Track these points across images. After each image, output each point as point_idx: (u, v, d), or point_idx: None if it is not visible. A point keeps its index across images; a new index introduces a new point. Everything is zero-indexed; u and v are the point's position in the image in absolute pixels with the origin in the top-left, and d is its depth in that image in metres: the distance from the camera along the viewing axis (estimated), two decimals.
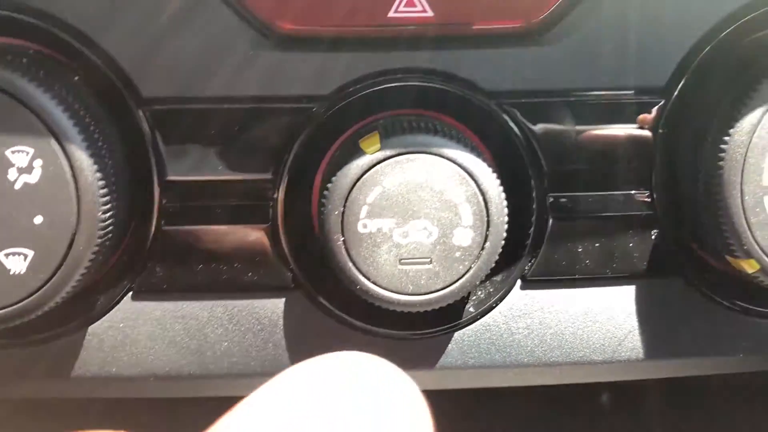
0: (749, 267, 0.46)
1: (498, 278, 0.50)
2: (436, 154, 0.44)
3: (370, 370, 0.24)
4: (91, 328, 0.49)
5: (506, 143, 0.48)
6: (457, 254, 0.45)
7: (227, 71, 0.45)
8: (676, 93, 0.48)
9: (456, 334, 0.50)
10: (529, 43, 0.46)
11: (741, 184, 0.45)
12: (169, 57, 0.45)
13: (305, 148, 0.47)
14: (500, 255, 0.46)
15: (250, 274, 0.48)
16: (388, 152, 0.44)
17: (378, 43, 0.46)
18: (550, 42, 0.46)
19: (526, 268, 0.50)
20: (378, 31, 0.46)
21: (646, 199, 0.49)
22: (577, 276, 0.50)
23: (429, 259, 0.45)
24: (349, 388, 0.23)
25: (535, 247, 0.49)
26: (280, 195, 0.47)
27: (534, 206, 0.48)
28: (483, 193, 0.44)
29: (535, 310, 0.50)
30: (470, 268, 0.45)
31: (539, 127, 0.48)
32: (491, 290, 0.50)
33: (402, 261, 0.45)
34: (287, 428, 0.21)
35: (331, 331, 0.49)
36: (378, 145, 0.44)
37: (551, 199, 0.48)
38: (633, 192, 0.49)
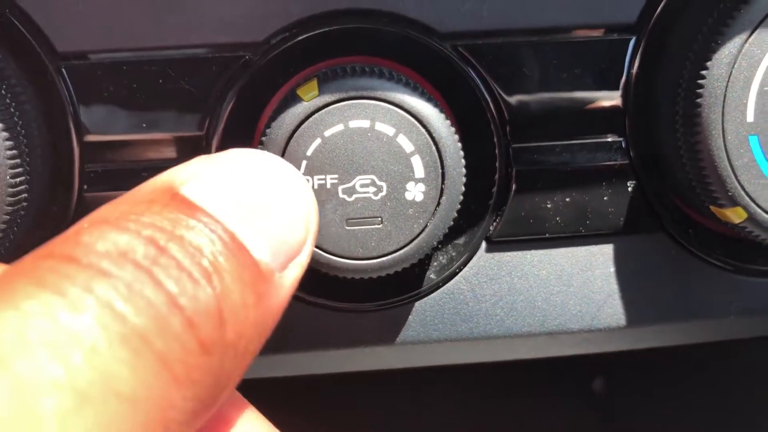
0: (736, 216, 0.42)
1: (460, 241, 0.45)
2: (380, 100, 0.39)
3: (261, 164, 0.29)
4: None
5: (463, 90, 0.43)
6: (410, 211, 0.40)
7: (148, 18, 0.41)
8: (648, 28, 0.43)
9: (417, 305, 0.46)
10: None
11: (722, 122, 0.40)
12: (84, 6, 0.41)
13: (241, 101, 0.42)
14: (462, 214, 0.42)
15: None
16: (326, 98, 0.39)
17: None
18: None
19: (491, 228, 0.45)
20: None
21: (620, 147, 0.44)
22: (547, 235, 0.45)
23: (379, 218, 0.40)
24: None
25: (499, 204, 0.45)
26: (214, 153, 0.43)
27: (496, 158, 0.44)
28: (436, 142, 0.40)
29: (503, 275, 0.46)
30: (426, 226, 0.41)
31: (499, 72, 0.43)
32: (454, 254, 0.45)
33: (349, 221, 0.40)
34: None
35: None
36: (316, 92, 0.39)
37: (514, 150, 0.44)
38: (605, 139, 0.44)
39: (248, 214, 0.27)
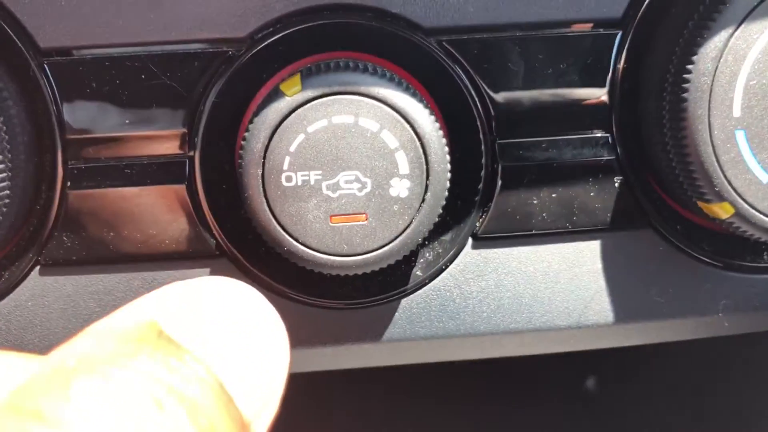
0: (723, 212, 0.42)
1: (447, 237, 0.45)
2: (364, 95, 0.39)
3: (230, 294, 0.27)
4: None
5: (448, 86, 0.43)
6: (395, 207, 0.40)
7: (131, 14, 0.41)
8: (635, 23, 0.43)
9: (403, 302, 0.45)
10: None
11: (708, 117, 0.40)
12: (66, 2, 0.41)
13: (224, 97, 0.42)
14: (448, 210, 0.42)
15: (168, 241, 0.43)
16: (309, 94, 0.39)
17: None
18: None
19: (477, 224, 0.45)
20: None
21: (607, 143, 0.44)
22: (534, 231, 0.45)
23: (364, 215, 0.40)
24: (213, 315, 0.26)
25: (485, 200, 0.44)
26: (197, 150, 0.42)
27: (482, 154, 0.44)
28: (420, 138, 0.40)
29: (489, 271, 0.45)
30: (410, 222, 0.40)
31: (484, 67, 0.43)
32: (440, 251, 0.45)
33: (333, 217, 0.40)
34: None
35: None
36: (299, 87, 0.39)
37: (500, 146, 0.44)
38: (591, 135, 0.44)
39: (230, 358, 0.25)
